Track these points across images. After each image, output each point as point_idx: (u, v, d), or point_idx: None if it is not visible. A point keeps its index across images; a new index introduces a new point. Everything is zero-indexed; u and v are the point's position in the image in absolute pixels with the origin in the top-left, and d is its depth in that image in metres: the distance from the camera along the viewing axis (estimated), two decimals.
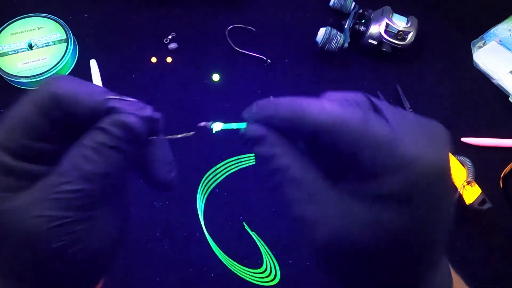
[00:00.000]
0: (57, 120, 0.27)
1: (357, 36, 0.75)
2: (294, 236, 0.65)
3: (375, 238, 0.25)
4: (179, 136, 0.31)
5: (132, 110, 0.27)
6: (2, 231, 0.26)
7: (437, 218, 0.26)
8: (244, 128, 0.28)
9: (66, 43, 0.74)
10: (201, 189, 0.66)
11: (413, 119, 0.26)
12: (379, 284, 0.27)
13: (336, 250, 0.26)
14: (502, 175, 0.68)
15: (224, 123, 0.31)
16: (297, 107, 0.26)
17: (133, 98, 0.28)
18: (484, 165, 0.68)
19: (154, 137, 0.29)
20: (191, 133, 0.31)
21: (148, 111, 0.28)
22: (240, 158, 0.69)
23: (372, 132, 0.24)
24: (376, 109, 0.27)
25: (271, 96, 0.28)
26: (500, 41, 0.77)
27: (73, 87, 0.27)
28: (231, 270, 0.62)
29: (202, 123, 0.31)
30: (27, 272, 0.27)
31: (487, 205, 0.64)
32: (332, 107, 0.26)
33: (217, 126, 0.31)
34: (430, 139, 0.25)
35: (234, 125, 0.30)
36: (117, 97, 0.27)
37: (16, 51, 0.73)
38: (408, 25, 0.73)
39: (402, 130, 0.25)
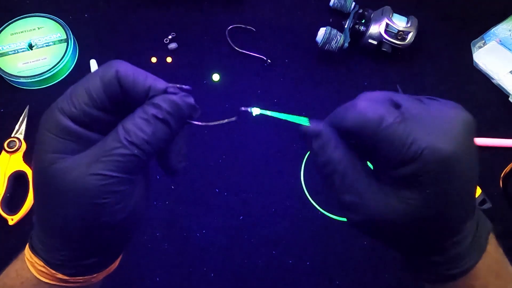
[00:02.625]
0: (116, 95, 0.30)
1: (357, 36, 0.75)
2: (293, 236, 0.65)
3: (402, 216, 0.30)
4: (222, 122, 0.34)
5: (180, 95, 0.31)
6: (57, 188, 0.29)
7: (452, 196, 0.29)
8: (307, 126, 0.32)
9: (66, 43, 0.74)
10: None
11: (430, 109, 0.30)
12: (412, 245, 0.33)
13: (370, 227, 0.31)
14: (502, 175, 0.68)
15: (261, 109, 0.35)
16: (340, 111, 0.31)
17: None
18: (484, 165, 0.68)
19: (199, 123, 0.33)
20: (233, 118, 0.34)
21: (191, 99, 0.31)
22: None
23: (387, 132, 0.29)
24: (396, 105, 0.31)
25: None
26: (500, 41, 0.77)
27: (133, 70, 0.30)
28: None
29: (243, 108, 0.34)
30: (75, 229, 0.30)
31: (487, 205, 0.64)
32: (358, 110, 0.30)
33: (255, 111, 0.34)
34: (442, 128, 0.29)
35: (270, 113, 0.35)
36: (177, 85, 0.31)
37: (16, 51, 0.73)
38: (408, 25, 0.73)
39: (415, 124, 0.29)
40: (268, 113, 0.34)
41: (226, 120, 0.34)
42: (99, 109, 0.30)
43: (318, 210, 0.66)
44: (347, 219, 0.32)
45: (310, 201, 0.67)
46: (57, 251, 0.32)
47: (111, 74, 0.30)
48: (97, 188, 0.28)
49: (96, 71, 0.30)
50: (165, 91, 0.30)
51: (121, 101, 0.30)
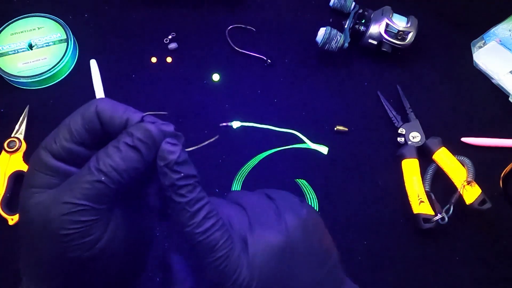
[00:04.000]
0: (95, 130, 0.31)
1: (357, 36, 0.75)
2: None
3: None
4: (205, 143, 0.34)
5: (157, 124, 0.31)
6: (29, 223, 0.29)
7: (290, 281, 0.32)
8: None
9: (66, 43, 0.74)
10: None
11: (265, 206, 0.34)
12: None
13: None
14: (502, 175, 0.68)
15: (241, 121, 0.35)
16: None
17: (142, 105, 0.31)
18: (484, 165, 0.68)
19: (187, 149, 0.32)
20: (215, 137, 0.34)
21: (170, 127, 0.31)
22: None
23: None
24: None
25: None
26: (500, 41, 0.77)
27: (112, 105, 0.31)
28: None
29: (224, 123, 0.34)
30: (47, 268, 0.30)
31: (487, 205, 0.64)
32: None
33: (236, 124, 0.34)
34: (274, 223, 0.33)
35: (251, 124, 0.34)
36: (151, 113, 0.31)
37: (16, 51, 0.73)
38: (408, 25, 0.73)
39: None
40: (249, 124, 0.35)
41: (208, 141, 0.34)
42: (79, 144, 0.30)
43: (319, 212, 0.66)
44: None
45: (313, 202, 0.67)
46: None
47: (91, 110, 0.30)
48: (61, 218, 0.28)
49: (79, 109, 0.31)
50: (141, 121, 0.30)
51: (101, 136, 0.31)
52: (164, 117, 0.32)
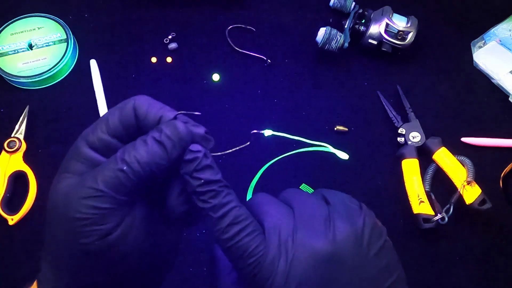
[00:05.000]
0: (130, 124, 0.31)
1: (357, 36, 0.75)
2: None
3: None
4: (235, 149, 0.34)
5: (188, 124, 0.31)
6: (51, 206, 0.30)
7: None
8: None
9: (66, 43, 0.74)
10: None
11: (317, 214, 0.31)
12: None
13: None
14: (502, 175, 0.68)
15: (273, 130, 0.36)
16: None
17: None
18: (484, 165, 0.68)
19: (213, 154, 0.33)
20: (246, 144, 0.34)
21: (200, 129, 0.32)
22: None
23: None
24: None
25: None
26: (500, 41, 0.77)
27: (149, 102, 0.32)
28: None
29: (255, 131, 0.34)
30: (60, 254, 0.30)
31: (487, 205, 0.64)
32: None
33: (268, 132, 0.36)
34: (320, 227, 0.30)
35: (283, 134, 0.35)
36: (184, 112, 0.32)
37: (16, 51, 0.73)
38: (408, 25, 0.73)
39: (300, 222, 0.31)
40: (280, 134, 0.35)
41: (238, 147, 0.34)
42: (113, 136, 0.31)
43: None
44: None
45: None
46: (52, 282, 0.31)
47: (129, 105, 0.32)
48: (79, 201, 0.29)
49: (119, 104, 0.33)
50: (174, 119, 0.31)
51: (136, 131, 0.32)
52: (197, 118, 0.33)
